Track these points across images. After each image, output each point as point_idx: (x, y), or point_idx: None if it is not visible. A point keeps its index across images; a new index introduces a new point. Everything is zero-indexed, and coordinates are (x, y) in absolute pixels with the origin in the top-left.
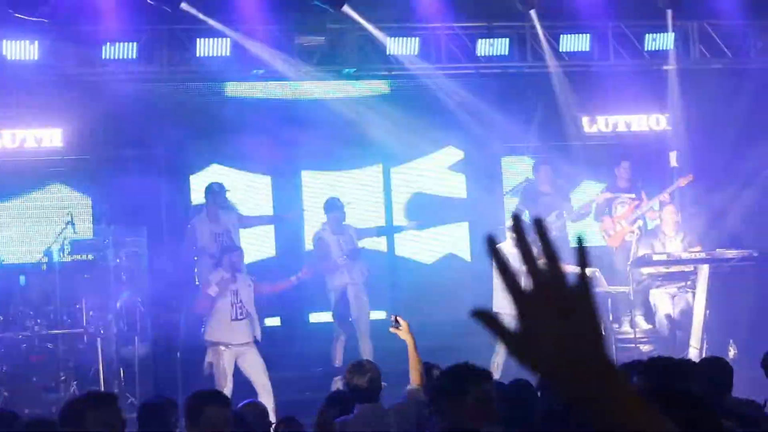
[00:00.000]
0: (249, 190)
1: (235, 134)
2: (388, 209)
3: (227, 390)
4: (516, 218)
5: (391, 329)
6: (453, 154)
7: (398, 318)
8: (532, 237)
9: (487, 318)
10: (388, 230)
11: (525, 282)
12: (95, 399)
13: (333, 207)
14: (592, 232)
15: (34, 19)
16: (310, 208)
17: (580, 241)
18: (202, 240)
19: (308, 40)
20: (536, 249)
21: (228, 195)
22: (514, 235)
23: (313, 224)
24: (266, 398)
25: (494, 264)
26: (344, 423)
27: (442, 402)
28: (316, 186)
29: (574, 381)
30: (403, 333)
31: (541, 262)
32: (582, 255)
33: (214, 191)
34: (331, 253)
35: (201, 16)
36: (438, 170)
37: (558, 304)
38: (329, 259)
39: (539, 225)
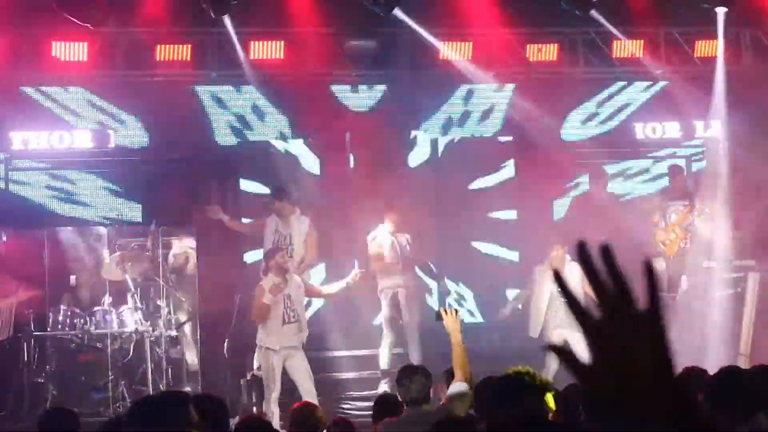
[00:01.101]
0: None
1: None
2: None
3: (275, 392)
4: (582, 245)
5: (439, 319)
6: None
7: (446, 310)
8: (598, 262)
9: (563, 353)
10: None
11: (594, 310)
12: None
13: (392, 209)
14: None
15: (82, 24)
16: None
17: (648, 265)
18: (268, 241)
19: (359, 44)
20: (603, 273)
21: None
22: (581, 262)
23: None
24: (312, 398)
25: (562, 295)
26: (390, 424)
27: (492, 412)
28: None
29: (646, 416)
30: (451, 322)
31: (610, 287)
32: (651, 278)
33: (281, 194)
34: (386, 254)
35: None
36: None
37: (628, 331)
38: (383, 260)
39: (606, 251)
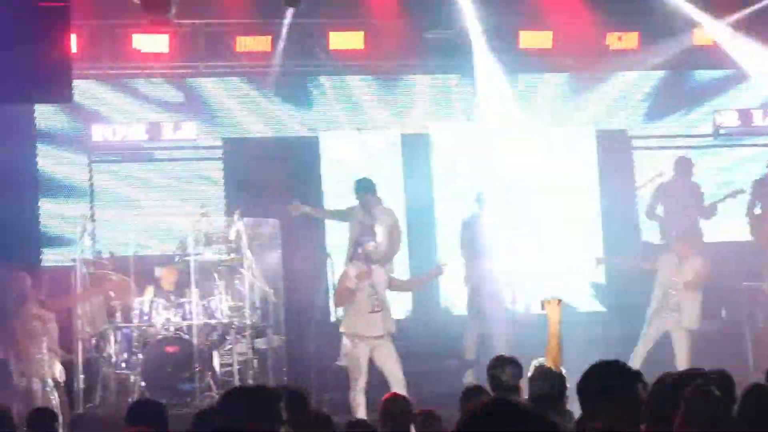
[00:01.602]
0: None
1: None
2: None
3: (362, 382)
4: None
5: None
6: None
7: (547, 300)
8: None
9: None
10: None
11: None
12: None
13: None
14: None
15: (161, 17)
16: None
17: None
18: (353, 231)
19: (438, 34)
20: None
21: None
22: None
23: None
24: (399, 391)
25: None
26: None
27: (591, 400)
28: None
29: None
30: (552, 312)
31: None
32: None
33: (367, 186)
34: (476, 242)
35: None
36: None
37: None
38: (471, 248)
39: None
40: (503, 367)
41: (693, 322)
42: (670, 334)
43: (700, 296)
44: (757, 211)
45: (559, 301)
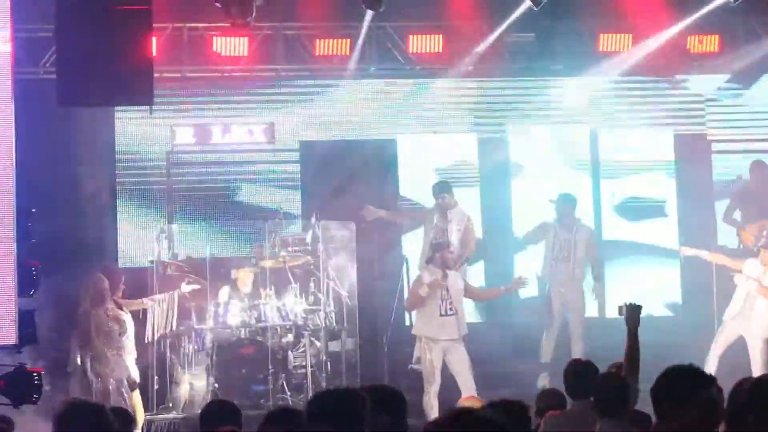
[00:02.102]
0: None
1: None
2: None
3: (435, 385)
4: None
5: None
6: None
7: (626, 304)
8: None
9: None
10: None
11: None
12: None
13: (564, 201)
14: None
15: (241, 21)
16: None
17: None
18: (428, 234)
19: (517, 37)
20: None
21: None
22: None
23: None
24: (469, 392)
25: None
26: (555, 418)
27: (665, 404)
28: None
29: None
30: (632, 317)
31: None
32: None
33: (445, 188)
34: (555, 245)
35: None
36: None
37: None
38: (549, 251)
39: None
40: (578, 370)
41: (763, 332)
42: (744, 339)
43: None
44: (737, 215)
45: (638, 306)
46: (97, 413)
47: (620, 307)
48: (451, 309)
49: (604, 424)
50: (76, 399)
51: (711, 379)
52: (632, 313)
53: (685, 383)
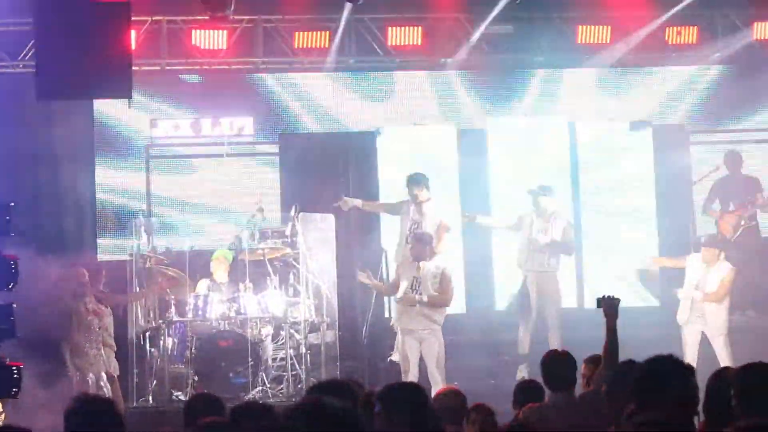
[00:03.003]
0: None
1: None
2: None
3: (411, 376)
4: None
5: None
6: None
7: (605, 297)
8: None
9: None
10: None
11: None
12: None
13: (542, 193)
14: None
15: (220, 14)
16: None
17: None
18: (403, 225)
19: (496, 29)
20: None
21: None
22: None
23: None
24: (434, 388)
25: None
26: (534, 410)
27: (645, 394)
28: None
29: None
30: (608, 307)
31: None
32: None
33: (415, 181)
34: (525, 236)
35: None
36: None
37: None
38: (526, 243)
39: None
40: (558, 361)
41: (719, 329)
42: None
43: (726, 303)
44: (716, 206)
45: (617, 299)
46: (107, 409)
47: (598, 300)
48: (421, 300)
49: (553, 397)
50: (86, 395)
51: (689, 369)
52: (610, 306)
53: (664, 373)
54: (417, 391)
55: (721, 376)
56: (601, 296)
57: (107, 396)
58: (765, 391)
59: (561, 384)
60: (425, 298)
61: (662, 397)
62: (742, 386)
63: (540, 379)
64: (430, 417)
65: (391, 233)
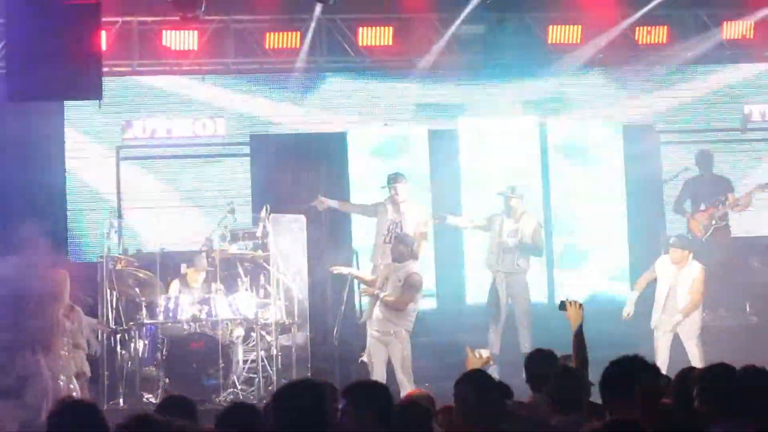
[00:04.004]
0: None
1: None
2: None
3: (375, 376)
4: None
5: (563, 309)
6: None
7: (569, 301)
8: None
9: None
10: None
11: None
12: None
13: (512, 193)
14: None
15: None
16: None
17: None
18: (381, 226)
19: (467, 30)
20: None
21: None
22: None
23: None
24: (402, 391)
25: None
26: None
27: (611, 395)
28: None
29: None
30: (573, 313)
31: None
32: None
33: (394, 180)
34: (494, 236)
35: None
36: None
37: None
38: (496, 242)
39: None
40: (539, 360)
41: (693, 330)
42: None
43: (700, 305)
44: (687, 206)
45: (580, 305)
46: (91, 412)
47: (562, 302)
48: (387, 303)
49: (561, 419)
50: (69, 398)
51: (653, 368)
52: (574, 311)
53: (628, 373)
54: (380, 388)
55: (684, 377)
56: (564, 299)
57: (78, 397)
58: (725, 391)
59: (544, 383)
60: (381, 295)
61: (629, 395)
62: (704, 387)
63: (510, 379)
64: (394, 414)
65: (362, 234)
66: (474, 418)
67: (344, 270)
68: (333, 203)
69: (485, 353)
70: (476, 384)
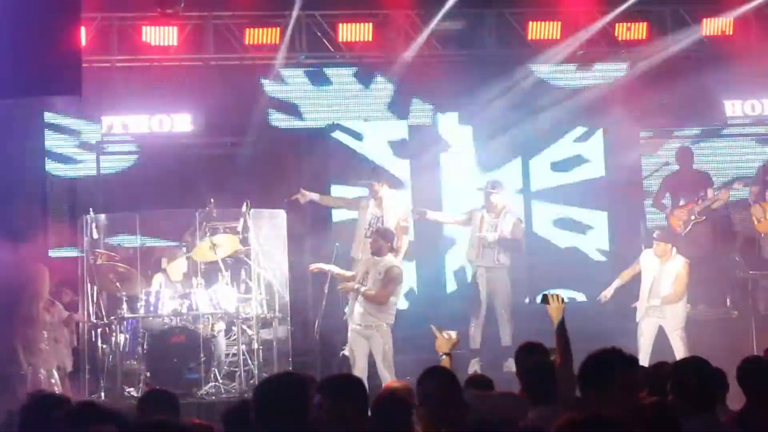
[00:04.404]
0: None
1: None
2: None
3: (358, 371)
4: None
5: (544, 303)
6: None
7: (550, 295)
8: None
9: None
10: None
11: None
12: None
13: (490, 188)
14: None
15: (170, 10)
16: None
17: None
18: (363, 220)
19: (447, 25)
20: None
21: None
22: None
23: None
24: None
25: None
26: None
27: (589, 388)
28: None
29: None
30: (555, 308)
31: None
32: None
33: (373, 176)
34: (475, 231)
35: None
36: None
37: None
38: (476, 237)
39: None
40: (530, 353)
41: (678, 324)
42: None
43: (684, 298)
44: (666, 201)
45: (562, 299)
46: (61, 405)
47: (544, 296)
48: (367, 297)
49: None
50: (40, 392)
51: (631, 360)
52: (555, 305)
53: (606, 366)
54: (355, 382)
55: (659, 370)
56: (546, 293)
57: (59, 392)
58: (697, 384)
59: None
60: (361, 289)
61: (605, 390)
62: (677, 381)
63: (492, 373)
64: (373, 406)
65: (342, 229)
66: (437, 416)
67: (324, 267)
68: (314, 196)
69: (453, 334)
70: (439, 381)
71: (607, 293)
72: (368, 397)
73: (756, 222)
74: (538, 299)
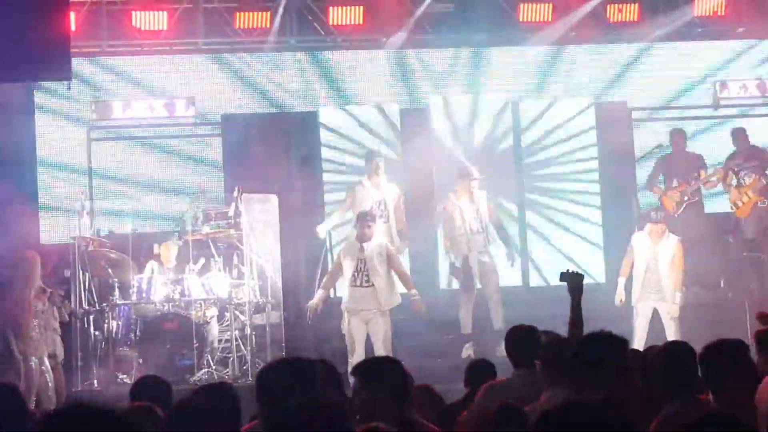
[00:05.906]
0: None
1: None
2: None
3: (355, 356)
4: None
5: (563, 280)
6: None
7: (570, 272)
8: None
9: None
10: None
11: None
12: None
13: (465, 175)
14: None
15: None
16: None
17: None
18: (363, 205)
19: (437, 7)
20: None
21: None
22: None
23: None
24: None
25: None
26: (495, 388)
27: (583, 371)
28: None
29: None
30: (574, 285)
31: None
32: None
33: (377, 158)
34: (455, 224)
35: None
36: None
37: None
38: (452, 231)
39: None
40: (520, 337)
41: (675, 310)
42: (658, 313)
43: (680, 276)
44: (659, 183)
45: (580, 275)
46: (8, 392)
47: (563, 274)
48: (367, 281)
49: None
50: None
51: (623, 343)
52: (574, 282)
53: (599, 349)
54: (394, 364)
55: (647, 354)
56: (565, 270)
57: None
58: (682, 369)
59: (525, 360)
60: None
61: (598, 374)
62: (663, 365)
63: (484, 356)
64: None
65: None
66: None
67: (317, 303)
68: (327, 227)
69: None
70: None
71: (621, 296)
72: (407, 380)
73: (735, 208)
74: (557, 278)
